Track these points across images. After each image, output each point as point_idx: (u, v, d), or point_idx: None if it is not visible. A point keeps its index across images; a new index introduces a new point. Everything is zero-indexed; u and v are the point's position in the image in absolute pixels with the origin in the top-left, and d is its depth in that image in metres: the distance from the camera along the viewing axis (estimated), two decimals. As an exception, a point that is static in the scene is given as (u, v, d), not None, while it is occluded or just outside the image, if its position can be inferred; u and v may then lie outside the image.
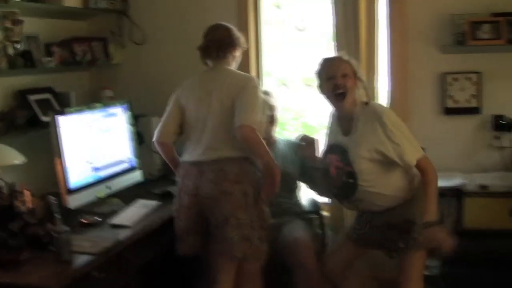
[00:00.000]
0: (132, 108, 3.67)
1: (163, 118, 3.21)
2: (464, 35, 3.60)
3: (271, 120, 3.65)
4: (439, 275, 3.63)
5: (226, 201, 2.94)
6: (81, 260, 2.61)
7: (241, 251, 2.98)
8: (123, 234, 2.92)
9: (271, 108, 3.65)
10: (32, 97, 3.51)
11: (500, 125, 3.70)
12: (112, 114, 3.49)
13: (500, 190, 3.50)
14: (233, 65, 3.23)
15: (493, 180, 3.59)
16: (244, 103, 2.96)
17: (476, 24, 3.57)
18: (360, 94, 2.98)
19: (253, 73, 4.08)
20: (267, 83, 4.64)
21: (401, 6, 3.78)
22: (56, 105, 3.61)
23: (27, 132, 3.32)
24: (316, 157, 3.19)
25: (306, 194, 3.93)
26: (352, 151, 2.87)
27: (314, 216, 3.81)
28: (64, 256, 2.59)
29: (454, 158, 3.82)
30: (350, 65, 2.95)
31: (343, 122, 2.99)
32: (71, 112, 3.21)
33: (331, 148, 3.03)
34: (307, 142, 3.20)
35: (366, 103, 2.94)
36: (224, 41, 3.17)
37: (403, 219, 2.91)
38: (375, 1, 3.78)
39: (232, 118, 2.93)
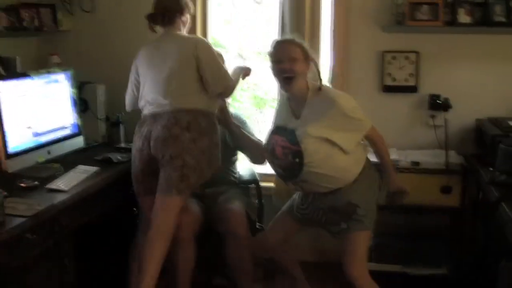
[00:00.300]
0: (75, 75, 3.70)
1: (128, 89, 3.47)
2: (404, 15, 3.71)
3: None
4: (371, 247, 3.79)
5: (173, 143, 3.13)
6: (14, 222, 2.66)
7: (175, 189, 3.13)
8: (58, 198, 2.96)
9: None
10: (-25, 61, 3.54)
11: (436, 104, 3.83)
12: (55, 81, 3.51)
13: (432, 167, 3.65)
14: (183, 30, 3.39)
15: (426, 157, 3.73)
16: (210, 70, 3.21)
17: (415, 5, 3.68)
18: (313, 78, 3.03)
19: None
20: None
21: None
22: (0, 70, 3.63)
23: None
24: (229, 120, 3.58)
25: (244, 164, 4.03)
26: (300, 131, 2.92)
27: (251, 186, 3.90)
28: (-3, 218, 2.66)
29: (391, 135, 3.86)
30: (301, 48, 2.98)
31: (294, 104, 3.05)
32: (11, 78, 3.24)
33: (277, 129, 3.09)
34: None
35: (320, 88, 2.99)
36: (170, 7, 3.33)
37: (346, 202, 2.99)
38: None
39: (188, 75, 3.20)
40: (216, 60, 3.26)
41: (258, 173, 3.98)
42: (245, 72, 3.51)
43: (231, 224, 3.41)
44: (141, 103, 3.32)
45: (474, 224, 3.67)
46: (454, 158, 3.69)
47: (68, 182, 3.17)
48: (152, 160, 3.21)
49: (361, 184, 3.01)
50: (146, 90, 3.30)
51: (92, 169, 3.41)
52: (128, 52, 4.10)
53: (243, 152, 3.78)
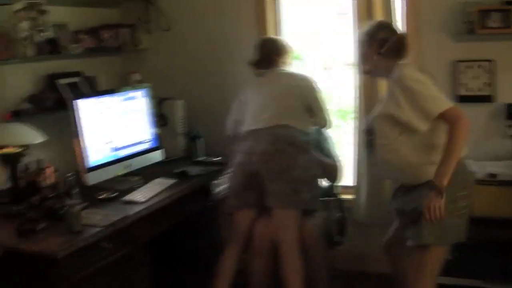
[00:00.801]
0: (153, 92, 3.88)
1: (231, 116, 3.72)
2: (474, 23, 3.64)
3: None
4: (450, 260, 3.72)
5: (280, 157, 3.33)
6: (90, 231, 2.85)
7: (291, 202, 3.34)
8: (133, 210, 3.14)
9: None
10: (61, 81, 3.76)
11: (513, 113, 3.73)
12: (132, 98, 3.71)
13: (509, 179, 3.54)
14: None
15: (504, 169, 3.62)
16: (317, 105, 3.60)
17: (485, 13, 3.59)
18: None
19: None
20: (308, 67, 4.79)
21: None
22: (83, 88, 3.86)
23: (55, 114, 3.55)
24: None
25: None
26: (376, 110, 3.00)
27: (331, 198, 3.88)
28: (74, 227, 2.83)
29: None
30: (359, 43, 3.07)
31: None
32: (90, 96, 3.45)
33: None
34: None
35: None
36: (272, 54, 3.70)
37: (413, 207, 2.89)
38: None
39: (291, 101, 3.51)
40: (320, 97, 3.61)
41: (338, 186, 3.97)
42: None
43: (306, 241, 3.45)
44: (244, 125, 3.55)
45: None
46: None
47: (144, 194, 3.34)
48: (253, 175, 3.35)
49: None
50: (250, 110, 3.55)
51: (169, 181, 3.57)
52: (204, 68, 4.29)
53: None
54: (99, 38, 4.05)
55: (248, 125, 3.51)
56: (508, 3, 3.61)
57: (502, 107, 3.76)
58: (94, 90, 3.84)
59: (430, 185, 2.74)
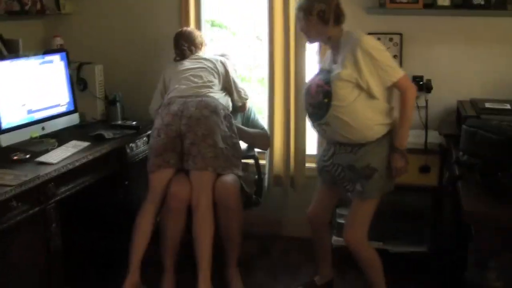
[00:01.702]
0: (73, 56, 3.92)
1: (155, 95, 3.94)
2: (385, -3, 3.81)
3: None
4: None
5: (205, 123, 3.55)
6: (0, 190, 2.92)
7: (210, 166, 3.55)
8: (45, 170, 3.19)
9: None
10: (-21, 43, 3.77)
11: (419, 85, 3.88)
12: (49, 61, 3.74)
13: (410, 147, 3.71)
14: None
15: (410, 138, 3.81)
16: (232, 84, 3.91)
17: (395, -12, 3.76)
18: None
19: (192, 22, 4.31)
20: (220, 35, 4.88)
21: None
22: (4, 51, 3.87)
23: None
24: None
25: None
26: (334, 73, 3.09)
27: (249, 161, 4.11)
28: (-17, 186, 2.90)
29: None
30: (300, 13, 3.15)
31: (333, 50, 3.22)
32: (4, 59, 3.47)
33: (320, 71, 3.29)
34: None
35: (349, 33, 3.14)
36: (186, 46, 3.94)
37: (366, 164, 3.10)
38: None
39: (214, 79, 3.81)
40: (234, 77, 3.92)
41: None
42: None
43: (222, 196, 3.59)
44: (169, 94, 3.77)
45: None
46: (435, 138, 3.77)
47: (58, 156, 3.38)
48: (177, 137, 3.56)
49: (383, 149, 3.12)
50: (173, 84, 3.80)
51: (84, 144, 3.61)
52: (125, 32, 4.35)
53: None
54: (21, 2, 4.04)
55: (173, 93, 3.71)
56: (417, -20, 3.77)
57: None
58: (15, 53, 3.84)
59: (394, 148, 3.10)
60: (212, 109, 3.62)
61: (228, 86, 3.91)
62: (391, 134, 3.13)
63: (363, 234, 3.21)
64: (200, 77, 3.78)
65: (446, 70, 3.94)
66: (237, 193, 3.66)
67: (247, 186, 3.87)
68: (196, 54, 3.98)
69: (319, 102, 3.12)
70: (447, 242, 3.83)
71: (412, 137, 3.74)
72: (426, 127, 3.77)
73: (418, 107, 3.85)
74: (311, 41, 3.32)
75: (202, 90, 3.71)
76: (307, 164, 4.25)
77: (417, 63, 3.96)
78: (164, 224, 3.62)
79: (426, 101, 3.84)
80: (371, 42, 3.04)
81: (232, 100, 3.94)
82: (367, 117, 3.06)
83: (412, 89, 3.07)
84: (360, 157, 3.11)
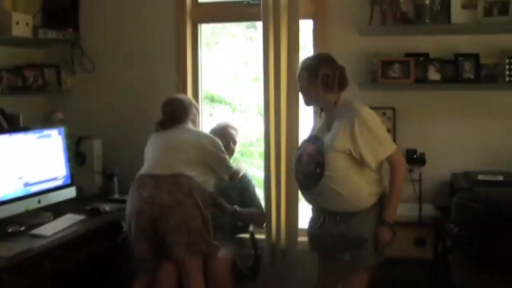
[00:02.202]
0: (72, 131, 4.01)
1: None
2: (377, 73, 3.89)
3: (231, 153, 4.07)
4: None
5: (178, 210, 3.37)
6: (-9, 262, 2.93)
7: (187, 255, 3.40)
8: (38, 243, 3.21)
9: (234, 142, 4.10)
10: (-20, 117, 3.86)
11: (412, 159, 3.93)
12: (47, 136, 3.81)
13: (405, 220, 3.70)
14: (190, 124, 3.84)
15: (401, 210, 3.79)
16: (217, 161, 3.69)
17: (387, 63, 3.85)
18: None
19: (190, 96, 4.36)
20: (219, 111, 4.98)
21: (323, 45, 4.10)
22: (4, 125, 3.95)
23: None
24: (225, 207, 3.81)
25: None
26: (327, 143, 3.11)
27: (245, 235, 4.10)
28: (-25, 258, 2.91)
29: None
30: (300, 80, 3.22)
31: (326, 117, 3.25)
32: (2, 132, 3.55)
33: (310, 138, 3.30)
34: None
35: (347, 101, 3.17)
36: (175, 113, 3.79)
37: (357, 235, 3.09)
38: (298, 45, 4.01)
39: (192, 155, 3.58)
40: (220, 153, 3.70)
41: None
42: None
43: (211, 271, 3.55)
44: (141, 169, 3.62)
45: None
46: (429, 211, 3.76)
47: (52, 229, 3.41)
48: (151, 226, 3.41)
49: (373, 218, 3.11)
50: (147, 157, 3.69)
51: (78, 217, 3.66)
52: (124, 108, 4.45)
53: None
54: (23, 77, 4.16)
55: (144, 169, 3.61)
56: (409, 55, 3.87)
57: (402, 152, 3.92)
58: (15, 127, 3.92)
59: (382, 221, 3.10)
60: (186, 192, 3.43)
61: (210, 162, 3.67)
62: (381, 203, 3.14)
63: None
64: (176, 150, 3.61)
65: (439, 143, 3.97)
66: (227, 268, 3.61)
67: (241, 261, 3.82)
68: (181, 124, 3.79)
69: (310, 171, 3.13)
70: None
71: (406, 210, 3.78)
72: (420, 200, 3.77)
73: (412, 180, 3.89)
74: (308, 103, 3.31)
75: (176, 168, 3.51)
76: (300, 238, 4.18)
77: (410, 137, 4.00)
78: None
79: (420, 174, 3.85)
80: (369, 115, 3.07)
81: (219, 175, 3.76)
82: (359, 187, 3.08)
83: (403, 164, 3.12)
84: (350, 226, 3.11)
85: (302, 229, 4.16)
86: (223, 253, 3.65)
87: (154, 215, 3.39)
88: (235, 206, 3.91)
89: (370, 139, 3.02)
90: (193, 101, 3.98)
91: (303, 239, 4.11)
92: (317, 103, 3.28)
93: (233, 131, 4.12)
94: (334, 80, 3.12)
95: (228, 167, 3.77)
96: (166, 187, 3.42)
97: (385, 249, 3.14)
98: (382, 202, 3.15)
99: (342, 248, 3.15)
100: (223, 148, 3.77)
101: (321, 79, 3.12)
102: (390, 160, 3.08)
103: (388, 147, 3.06)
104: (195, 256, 3.44)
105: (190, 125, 3.84)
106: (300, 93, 3.30)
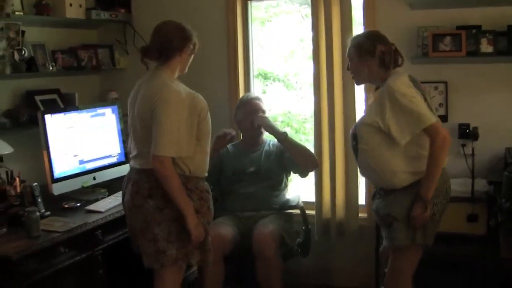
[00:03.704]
0: (122, 109, 4.09)
1: None
2: (428, 47, 3.82)
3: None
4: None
5: (138, 214, 3.01)
6: (48, 236, 3.06)
7: (157, 263, 2.99)
8: (93, 218, 3.34)
9: (262, 111, 4.02)
10: (39, 98, 3.99)
11: (465, 133, 3.87)
12: (101, 114, 3.93)
13: (457, 195, 3.66)
14: (177, 68, 3.12)
15: (453, 186, 3.73)
16: (154, 126, 2.87)
17: (438, 37, 3.78)
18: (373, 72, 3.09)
19: (241, 75, 4.44)
20: (275, 88, 4.98)
21: (373, 20, 4.06)
22: (61, 105, 4.08)
23: (30, 129, 3.74)
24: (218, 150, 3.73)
25: (293, 191, 4.24)
26: (360, 118, 3.15)
27: (293, 211, 4.06)
28: (32, 232, 3.04)
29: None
30: (353, 49, 3.12)
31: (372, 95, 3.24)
32: (59, 111, 3.67)
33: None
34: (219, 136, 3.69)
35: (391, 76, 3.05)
36: (166, 43, 3.04)
37: (387, 213, 3.05)
38: (351, 20, 4.02)
39: (149, 131, 2.91)
40: (165, 115, 2.88)
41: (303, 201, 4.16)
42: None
43: (259, 246, 3.60)
44: None
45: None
46: (482, 186, 3.70)
47: (106, 205, 3.53)
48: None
49: (407, 198, 2.99)
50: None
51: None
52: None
53: (291, 165, 3.95)
54: (78, 58, 4.28)
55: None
56: (460, 28, 3.79)
57: (455, 127, 3.91)
58: (72, 106, 4.05)
59: (418, 196, 2.94)
60: (146, 194, 2.98)
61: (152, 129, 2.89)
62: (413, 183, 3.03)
63: (399, 285, 3.11)
64: (139, 130, 3.02)
65: (493, 117, 3.89)
66: (274, 244, 3.63)
67: (289, 238, 3.83)
68: (163, 66, 3.06)
69: (352, 145, 3.17)
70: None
71: (459, 186, 3.73)
72: (472, 175, 3.71)
73: (465, 155, 3.85)
74: (360, 82, 3.29)
75: (140, 157, 3.03)
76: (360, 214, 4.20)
77: (463, 111, 3.93)
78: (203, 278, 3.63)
79: (473, 149, 3.79)
80: (401, 89, 2.94)
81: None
82: (391, 163, 3.00)
83: (442, 135, 2.89)
84: (385, 204, 3.08)
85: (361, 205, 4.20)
86: (270, 227, 3.69)
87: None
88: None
89: (402, 113, 2.91)
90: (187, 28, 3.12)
91: (362, 215, 4.17)
92: (371, 81, 3.22)
93: (258, 101, 4.04)
94: (390, 57, 3.06)
95: (163, 140, 2.90)
96: (130, 186, 3.08)
97: (416, 225, 2.98)
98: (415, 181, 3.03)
99: (381, 225, 3.16)
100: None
101: (378, 55, 3.04)
102: (428, 132, 2.91)
103: (424, 120, 2.89)
104: (162, 265, 2.99)
105: (175, 70, 3.12)
106: (350, 72, 3.21)
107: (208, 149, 3.12)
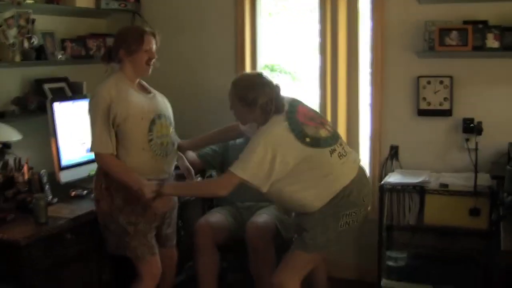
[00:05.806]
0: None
1: None
2: (434, 41, 3.85)
3: None
4: (404, 266, 3.91)
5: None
6: (55, 223, 3.11)
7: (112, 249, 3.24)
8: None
9: None
10: (47, 86, 4.02)
11: (469, 128, 3.90)
12: (110, 102, 3.94)
13: (460, 189, 3.71)
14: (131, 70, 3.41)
15: (458, 180, 3.79)
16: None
17: (444, 31, 3.80)
18: None
19: (248, 68, 4.45)
20: (281, 80, 4.98)
21: (381, 14, 4.07)
22: (69, 93, 4.12)
23: (38, 116, 3.77)
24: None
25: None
26: None
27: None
28: (40, 219, 3.09)
29: (427, 158, 4.07)
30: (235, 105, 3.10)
31: None
32: (67, 99, 3.71)
33: None
34: None
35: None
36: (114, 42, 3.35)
37: (298, 223, 3.16)
38: (358, 13, 4.10)
39: None
40: (90, 112, 3.20)
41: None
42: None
43: (251, 237, 3.62)
44: None
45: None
46: (485, 180, 3.72)
47: (113, 193, 3.56)
48: None
49: (312, 217, 3.06)
50: None
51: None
52: (184, 75, 4.54)
53: None
54: (86, 47, 4.31)
55: None
56: (467, 23, 3.81)
57: (459, 121, 3.94)
58: (80, 95, 4.09)
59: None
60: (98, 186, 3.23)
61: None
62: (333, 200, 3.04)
63: (290, 280, 3.12)
64: None
65: (497, 112, 3.91)
66: (267, 235, 3.63)
67: (284, 229, 3.78)
68: (122, 66, 3.42)
69: None
70: (499, 287, 3.74)
71: (463, 180, 3.77)
72: (475, 169, 3.74)
73: (468, 149, 3.87)
74: (245, 123, 3.23)
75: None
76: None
77: (467, 105, 3.95)
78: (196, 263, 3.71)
79: (476, 143, 3.81)
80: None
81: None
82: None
83: (225, 188, 3.17)
84: (297, 219, 3.21)
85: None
86: (264, 218, 3.71)
87: None
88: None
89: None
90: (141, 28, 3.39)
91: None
92: (257, 123, 3.12)
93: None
94: (272, 105, 3.00)
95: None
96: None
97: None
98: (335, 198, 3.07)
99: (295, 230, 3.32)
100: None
101: (260, 106, 3.00)
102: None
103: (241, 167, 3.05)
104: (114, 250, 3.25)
105: (127, 71, 3.44)
106: (233, 114, 3.17)
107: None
